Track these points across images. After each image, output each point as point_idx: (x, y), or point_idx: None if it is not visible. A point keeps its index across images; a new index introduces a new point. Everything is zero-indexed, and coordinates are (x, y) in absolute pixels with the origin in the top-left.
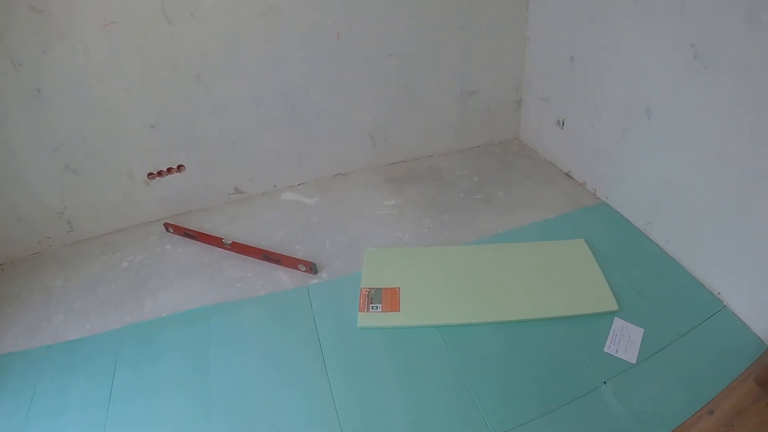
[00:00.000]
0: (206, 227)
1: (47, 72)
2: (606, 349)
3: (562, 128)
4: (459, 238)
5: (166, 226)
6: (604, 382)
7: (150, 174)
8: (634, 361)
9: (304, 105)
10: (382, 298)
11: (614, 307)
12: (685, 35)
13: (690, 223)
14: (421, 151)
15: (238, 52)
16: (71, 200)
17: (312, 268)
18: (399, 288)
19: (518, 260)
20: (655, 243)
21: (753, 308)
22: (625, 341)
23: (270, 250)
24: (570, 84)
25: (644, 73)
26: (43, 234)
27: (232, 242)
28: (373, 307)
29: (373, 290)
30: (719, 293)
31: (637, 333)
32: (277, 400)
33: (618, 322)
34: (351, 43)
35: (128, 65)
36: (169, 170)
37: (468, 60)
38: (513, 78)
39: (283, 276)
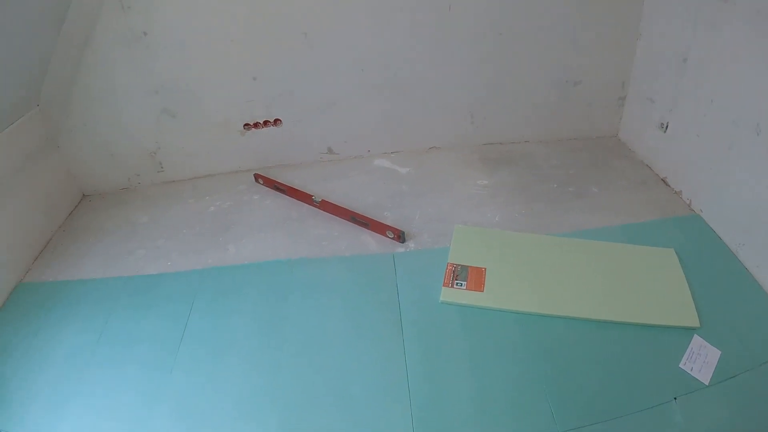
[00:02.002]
0: (296, 183)
1: (155, 16)
2: (681, 365)
3: (665, 132)
4: (548, 228)
5: (257, 177)
6: (675, 398)
7: (246, 125)
8: (707, 383)
9: (406, 74)
10: (468, 276)
11: (696, 323)
12: None
13: None
14: (517, 135)
15: (347, 14)
16: (165, 142)
17: (400, 236)
18: (485, 268)
19: (605, 260)
20: (744, 266)
21: None
22: (701, 360)
23: (359, 213)
24: (679, 87)
25: (759, 88)
26: (133, 171)
27: (322, 200)
28: (458, 283)
29: (459, 267)
30: None
31: (714, 354)
32: (350, 361)
33: (697, 340)
34: (461, 17)
35: (237, 15)
36: (266, 123)
37: (576, 48)
38: (619, 73)
39: (369, 240)
